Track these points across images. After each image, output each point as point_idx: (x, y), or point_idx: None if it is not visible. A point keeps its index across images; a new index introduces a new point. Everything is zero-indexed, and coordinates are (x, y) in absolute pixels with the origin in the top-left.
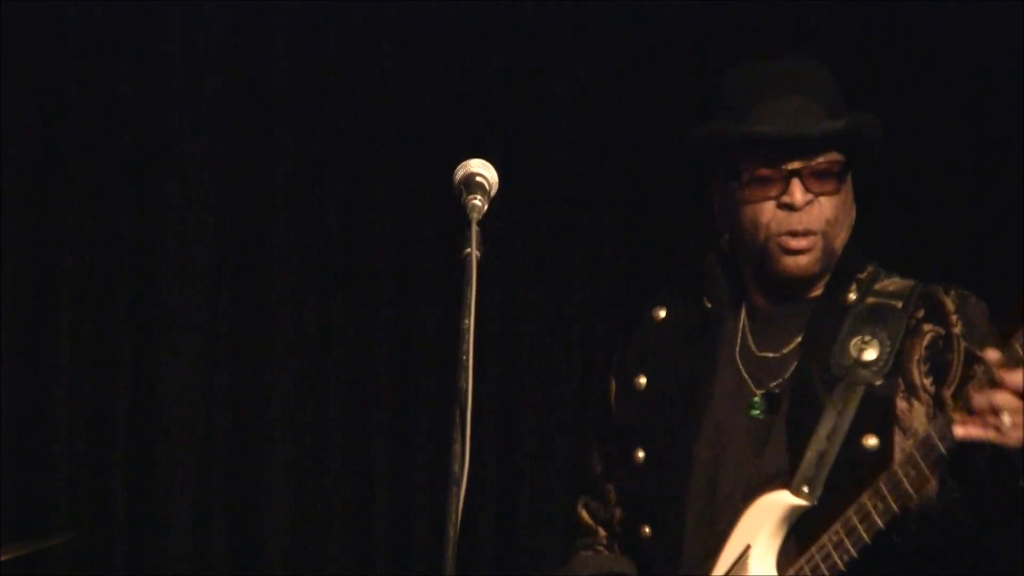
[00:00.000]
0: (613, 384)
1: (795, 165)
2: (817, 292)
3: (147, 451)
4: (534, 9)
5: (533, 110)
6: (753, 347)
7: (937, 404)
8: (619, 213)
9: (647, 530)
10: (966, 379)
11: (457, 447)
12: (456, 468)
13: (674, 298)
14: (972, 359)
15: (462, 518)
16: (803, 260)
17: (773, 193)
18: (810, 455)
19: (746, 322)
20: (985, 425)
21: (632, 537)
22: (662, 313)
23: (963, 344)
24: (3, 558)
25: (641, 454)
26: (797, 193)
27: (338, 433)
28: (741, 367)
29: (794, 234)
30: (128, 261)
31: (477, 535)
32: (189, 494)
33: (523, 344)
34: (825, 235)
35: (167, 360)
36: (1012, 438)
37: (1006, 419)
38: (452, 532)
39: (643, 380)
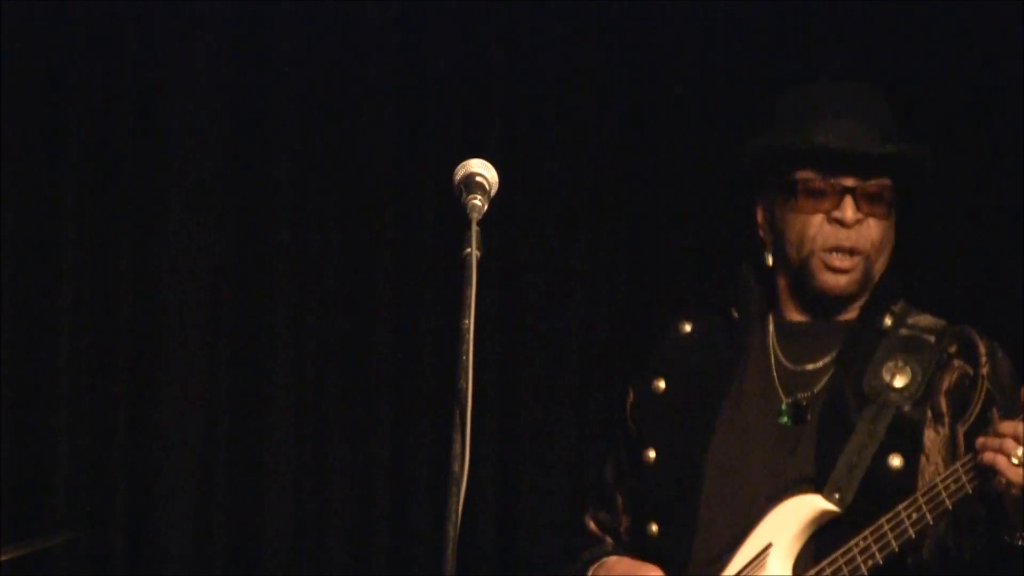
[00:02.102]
0: (631, 395)
1: (850, 183)
2: (849, 315)
3: (147, 451)
4: (534, 9)
5: (533, 110)
6: (783, 359)
7: (952, 439)
8: (619, 213)
9: (655, 528)
10: (983, 420)
11: (457, 447)
12: (456, 468)
13: (700, 311)
14: (992, 402)
15: (462, 518)
16: (843, 280)
17: (825, 207)
18: (842, 465)
19: (774, 335)
20: (998, 451)
21: (639, 536)
22: (687, 327)
23: (986, 386)
24: (3, 558)
25: (652, 454)
26: (849, 210)
27: (338, 433)
28: (775, 375)
29: (840, 250)
30: (128, 261)
31: (477, 535)
32: (189, 494)
33: (523, 344)
34: (868, 258)
35: (167, 360)
36: (1015, 473)
37: (1020, 452)
38: (452, 532)
39: (662, 384)
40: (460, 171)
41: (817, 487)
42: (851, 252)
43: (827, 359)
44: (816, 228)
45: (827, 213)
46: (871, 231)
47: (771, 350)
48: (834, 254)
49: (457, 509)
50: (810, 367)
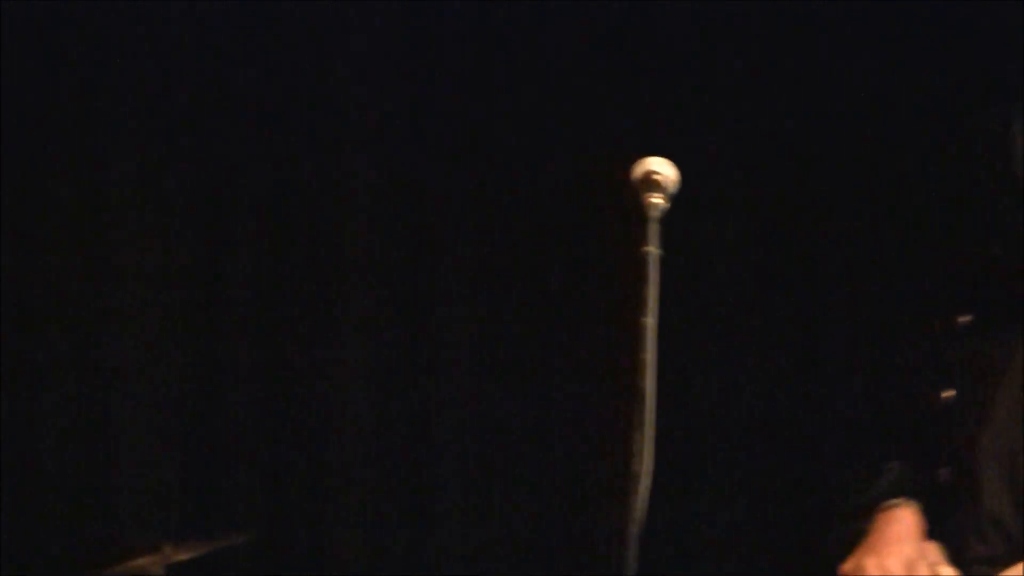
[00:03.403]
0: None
1: None
2: None
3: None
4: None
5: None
6: None
7: None
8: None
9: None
10: None
11: (637, 445)
12: (636, 466)
13: (974, 303)
14: None
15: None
16: None
17: None
18: None
19: None
20: None
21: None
22: (966, 320)
23: None
24: (184, 557)
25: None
26: None
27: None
28: None
29: None
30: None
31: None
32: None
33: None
34: None
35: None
36: None
37: None
38: (634, 530)
39: (947, 393)
40: (639, 168)
41: None
42: None
43: None
44: None
45: None
46: None
47: None
48: None
49: (638, 507)
50: None
